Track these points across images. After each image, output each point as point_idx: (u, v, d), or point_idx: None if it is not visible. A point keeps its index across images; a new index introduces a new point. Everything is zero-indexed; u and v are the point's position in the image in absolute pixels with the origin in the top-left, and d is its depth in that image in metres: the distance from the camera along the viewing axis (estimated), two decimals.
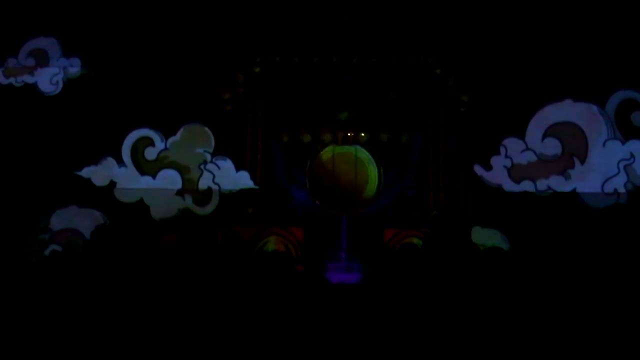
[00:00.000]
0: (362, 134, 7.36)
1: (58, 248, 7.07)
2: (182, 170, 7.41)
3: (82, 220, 7.27)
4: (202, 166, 7.39)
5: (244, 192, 7.39)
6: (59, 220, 7.32)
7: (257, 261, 4.66)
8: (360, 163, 7.42)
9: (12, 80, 7.44)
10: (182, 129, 7.42)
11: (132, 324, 3.97)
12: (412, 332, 3.94)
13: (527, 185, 7.11)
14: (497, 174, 7.15)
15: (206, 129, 7.41)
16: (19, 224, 7.21)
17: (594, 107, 7.12)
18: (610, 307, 4.35)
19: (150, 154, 7.42)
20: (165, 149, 7.43)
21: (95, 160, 7.37)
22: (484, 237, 6.94)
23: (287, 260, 6.74)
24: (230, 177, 7.38)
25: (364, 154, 7.42)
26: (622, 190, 7.01)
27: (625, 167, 7.03)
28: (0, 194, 7.28)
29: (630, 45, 7.04)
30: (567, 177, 7.10)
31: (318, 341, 3.91)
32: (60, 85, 7.44)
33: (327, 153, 7.44)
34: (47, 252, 7.13)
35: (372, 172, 7.40)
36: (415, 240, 7.06)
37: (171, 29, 7.35)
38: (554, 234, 6.84)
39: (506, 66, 7.18)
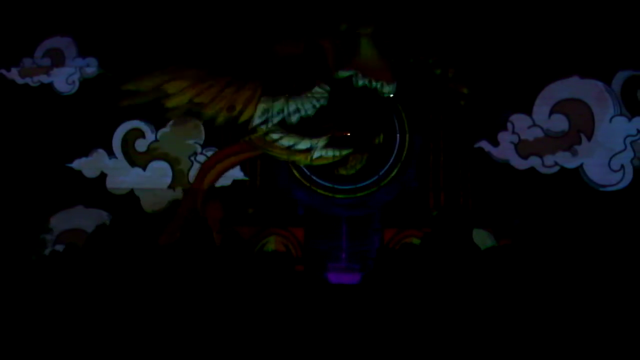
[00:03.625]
0: None
1: (60, 248, 7.08)
2: (172, 161, 7.43)
3: (87, 220, 7.28)
4: (192, 158, 7.41)
5: (243, 191, 7.39)
6: (63, 221, 7.34)
7: (257, 261, 4.67)
8: None
9: (28, 80, 7.47)
10: (172, 121, 7.44)
11: (131, 324, 3.97)
12: (412, 332, 3.94)
13: (534, 161, 7.15)
14: (504, 150, 7.19)
15: (196, 120, 7.44)
16: (26, 224, 7.24)
17: (601, 84, 7.16)
18: (618, 294, 4.35)
19: (141, 145, 7.44)
20: (156, 140, 7.45)
21: (85, 152, 7.40)
22: (480, 239, 6.95)
23: (287, 260, 6.73)
24: None
25: None
26: (628, 166, 7.06)
27: (631, 143, 7.07)
28: (12, 194, 7.30)
29: (637, 22, 7.06)
30: (574, 153, 7.15)
31: (318, 341, 3.91)
32: (77, 85, 7.47)
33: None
34: (47, 252, 7.13)
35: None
36: (415, 240, 7.07)
37: (172, 23, 7.35)
38: (560, 213, 6.90)
39: (513, 43, 7.19)
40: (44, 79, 7.48)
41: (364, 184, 7.45)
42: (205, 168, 7.33)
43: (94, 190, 7.37)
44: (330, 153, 7.28)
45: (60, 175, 7.34)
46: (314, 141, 7.23)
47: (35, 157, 7.35)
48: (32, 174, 7.32)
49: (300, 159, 7.29)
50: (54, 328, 3.95)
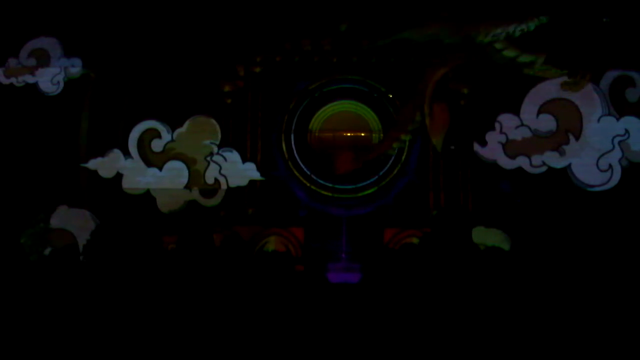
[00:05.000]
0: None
1: (53, 248, 7.06)
2: (188, 161, 7.41)
3: (72, 220, 7.26)
4: (208, 158, 7.38)
5: (245, 190, 7.39)
6: (55, 220, 7.33)
7: (257, 261, 4.67)
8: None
9: (13, 80, 7.44)
10: (188, 121, 7.42)
11: (131, 323, 3.98)
12: (412, 332, 3.95)
13: (521, 161, 7.13)
14: (492, 150, 7.17)
15: (212, 120, 7.41)
16: (19, 224, 7.21)
17: (589, 84, 7.13)
18: (610, 295, 4.37)
19: (157, 145, 7.42)
20: (172, 140, 7.43)
21: (102, 153, 7.37)
22: (486, 236, 6.95)
23: (287, 260, 6.75)
24: (237, 169, 7.38)
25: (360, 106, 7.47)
26: (616, 166, 7.03)
27: (619, 143, 7.05)
28: (0, 194, 7.28)
29: (625, 23, 7.04)
30: (562, 153, 7.12)
31: (318, 341, 3.91)
32: (61, 85, 7.44)
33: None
34: (46, 252, 7.12)
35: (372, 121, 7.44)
36: (415, 240, 7.07)
37: (173, 23, 7.33)
38: (549, 212, 6.89)
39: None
40: (29, 79, 7.45)
41: (364, 184, 7.46)
42: (430, 72, 7.25)
43: (82, 190, 7.36)
44: (550, 70, 7.15)
45: (44, 176, 7.30)
46: (535, 57, 7.09)
47: (27, 160, 7.33)
48: (18, 174, 7.30)
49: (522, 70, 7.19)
50: (54, 328, 3.96)
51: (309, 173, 7.51)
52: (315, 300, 4.14)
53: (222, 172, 7.33)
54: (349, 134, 7.47)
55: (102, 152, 7.38)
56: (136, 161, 7.38)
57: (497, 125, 7.16)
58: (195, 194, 7.35)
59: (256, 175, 7.35)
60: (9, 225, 7.17)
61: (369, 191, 7.46)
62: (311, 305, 4.09)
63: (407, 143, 7.45)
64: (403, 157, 7.47)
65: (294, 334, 3.91)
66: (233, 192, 7.36)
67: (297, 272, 6.54)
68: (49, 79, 7.43)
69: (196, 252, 5.06)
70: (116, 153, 7.38)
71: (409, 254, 6.26)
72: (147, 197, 7.34)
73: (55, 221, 7.29)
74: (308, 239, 7.31)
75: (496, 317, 4.02)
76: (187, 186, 7.35)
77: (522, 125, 7.17)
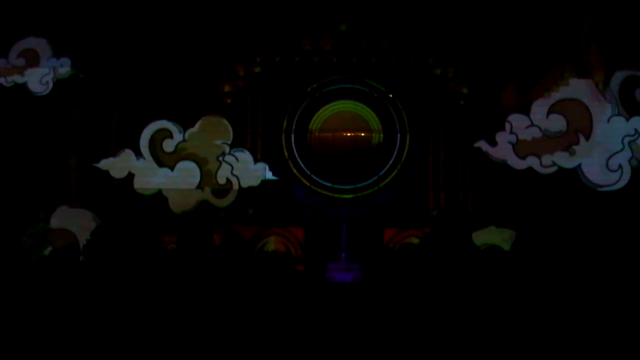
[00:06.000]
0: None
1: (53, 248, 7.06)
2: (200, 162, 7.39)
3: (73, 220, 7.26)
4: (220, 158, 7.38)
5: (246, 190, 7.38)
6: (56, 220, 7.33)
7: (257, 261, 4.67)
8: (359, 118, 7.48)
9: (2, 80, 7.41)
10: (200, 121, 7.40)
11: (131, 323, 3.98)
12: (412, 331, 3.95)
13: (531, 161, 7.13)
14: (502, 150, 7.17)
15: (224, 120, 7.40)
16: (12, 224, 7.20)
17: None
18: (615, 295, 4.36)
19: (169, 145, 7.41)
20: (184, 140, 7.41)
21: (113, 153, 7.37)
22: (493, 236, 6.95)
23: (287, 260, 6.74)
24: (249, 169, 7.37)
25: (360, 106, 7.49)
26: (626, 166, 7.03)
27: (629, 143, 7.06)
28: None
29: (635, 23, 7.05)
30: (572, 153, 7.12)
31: (318, 341, 3.92)
32: (50, 85, 7.42)
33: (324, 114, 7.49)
34: (46, 252, 7.12)
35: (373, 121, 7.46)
36: (415, 240, 7.07)
37: (172, 23, 7.32)
38: (558, 212, 6.89)
39: (511, 42, 7.18)
40: (18, 79, 7.42)
41: (364, 184, 7.46)
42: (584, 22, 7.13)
43: (76, 190, 7.36)
44: None
45: (42, 176, 7.29)
46: None
47: (16, 160, 7.32)
48: (9, 174, 7.29)
49: None
50: (54, 328, 3.96)
51: (309, 173, 7.51)
52: (315, 300, 4.14)
53: (234, 172, 7.33)
54: (349, 134, 7.47)
55: (95, 153, 7.37)
56: (148, 161, 7.37)
57: (507, 125, 7.16)
58: (207, 194, 7.35)
59: (267, 175, 7.34)
60: (6, 225, 7.16)
61: (369, 191, 7.47)
62: (311, 305, 4.09)
63: (407, 143, 7.46)
64: (403, 157, 7.47)
65: (294, 334, 3.91)
66: (245, 193, 7.36)
67: (297, 272, 6.54)
68: (38, 79, 7.40)
69: (196, 252, 5.06)
70: (128, 153, 7.36)
71: (409, 254, 6.26)
72: (158, 197, 7.34)
73: (55, 221, 7.29)
74: (308, 239, 7.32)
75: (498, 317, 4.02)
76: (199, 186, 7.35)
77: (532, 125, 7.18)
